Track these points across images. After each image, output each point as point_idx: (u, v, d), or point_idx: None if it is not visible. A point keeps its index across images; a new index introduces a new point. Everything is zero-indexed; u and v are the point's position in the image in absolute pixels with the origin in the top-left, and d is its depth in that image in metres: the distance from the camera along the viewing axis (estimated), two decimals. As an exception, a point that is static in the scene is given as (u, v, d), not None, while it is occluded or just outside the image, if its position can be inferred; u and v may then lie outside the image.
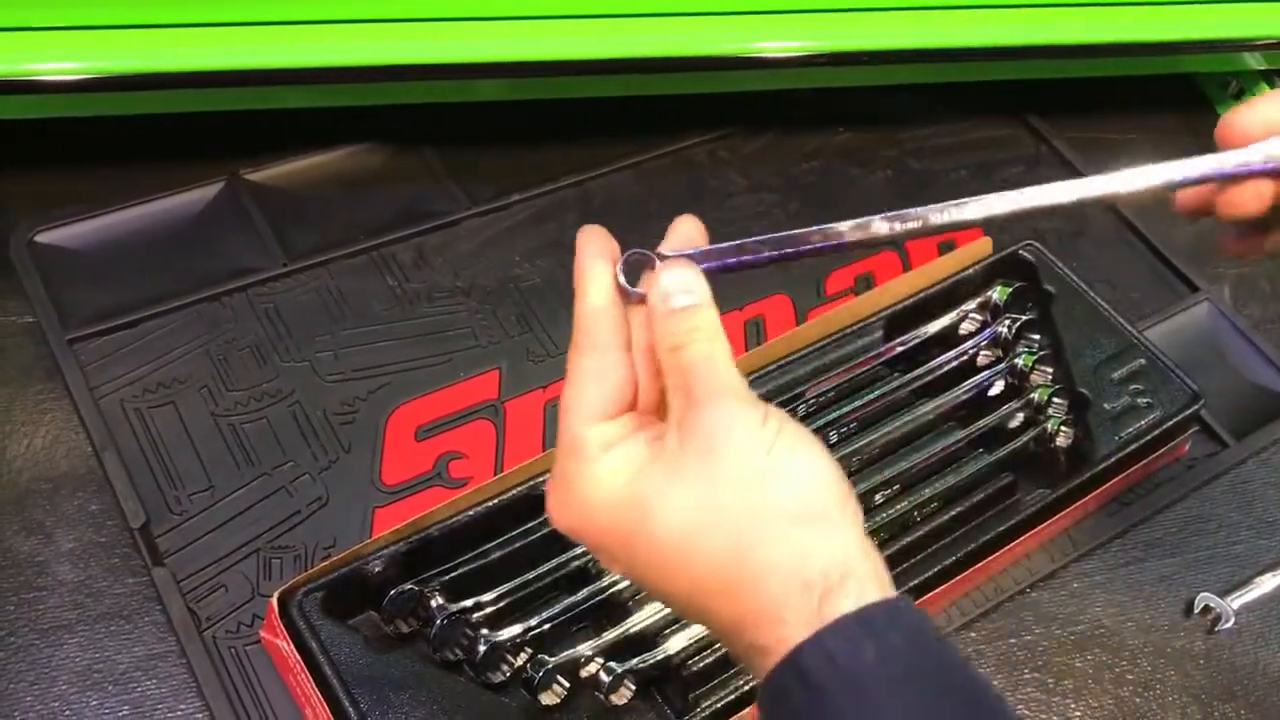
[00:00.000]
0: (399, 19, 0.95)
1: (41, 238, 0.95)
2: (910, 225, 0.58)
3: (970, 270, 1.00)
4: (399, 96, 1.02)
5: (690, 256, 0.55)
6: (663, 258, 0.54)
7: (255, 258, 0.98)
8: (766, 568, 0.49)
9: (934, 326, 0.97)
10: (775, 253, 0.56)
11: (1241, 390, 1.05)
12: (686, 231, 0.56)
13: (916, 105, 1.19)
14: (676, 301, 0.52)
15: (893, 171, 1.16)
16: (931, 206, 0.58)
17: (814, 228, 0.57)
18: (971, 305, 0.99)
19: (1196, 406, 0.94)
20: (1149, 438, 0.92)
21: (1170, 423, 0.93)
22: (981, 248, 1.02)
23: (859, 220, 0.58)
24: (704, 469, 0.50)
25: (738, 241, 0.56)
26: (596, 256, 0.54)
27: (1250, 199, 0.63)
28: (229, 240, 0.99)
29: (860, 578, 0.49)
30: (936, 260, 1.01)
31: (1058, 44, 1.12)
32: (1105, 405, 0.94)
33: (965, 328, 0.98)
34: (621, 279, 0.54)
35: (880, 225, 0.58)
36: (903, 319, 0.97)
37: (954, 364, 0.95)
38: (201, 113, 0.98)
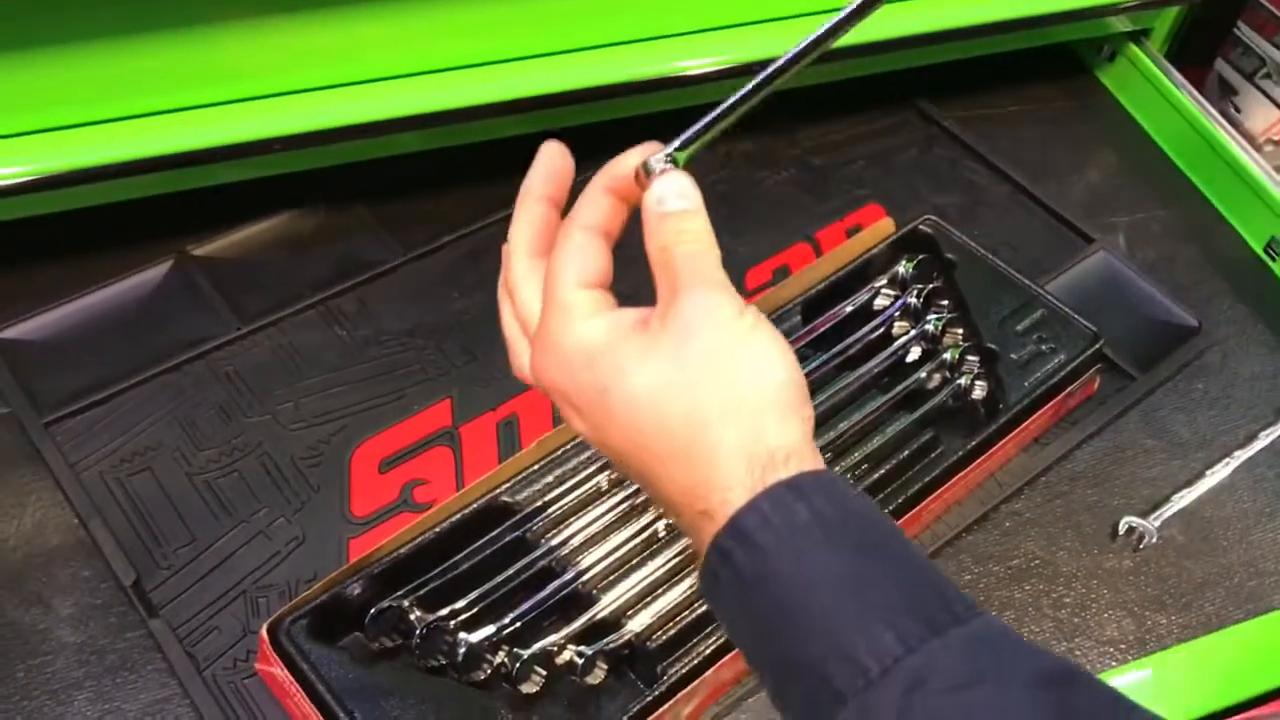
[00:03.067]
0: (318, 87, 1.02)
1: (7, 333, 1.01)
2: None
3: (876, 249, 1.08)
4: (327, 159, 1.08)
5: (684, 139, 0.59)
6: (669, 154, 0.58)
7: (210, 325, 1.04)
8: (722, 441, 0.53)
9: (850, 305, 1.05)
10: (747, 93, 0.60)
11: (1143, 327, 1.12)
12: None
13: (813, 105, 1.26)
14: (670, 205, 0.57)
15: (796, 170, 1.23)
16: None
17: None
18: (881, 281, 1.06)
19: (1097, 345, 1.01)
20: (1056, 379, 0.99)
21: (1074, 363, 1.00)
22: (885, 227, 1.10)
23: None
24: (680, 344, 0.54)
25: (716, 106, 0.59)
26: (630, 154, 0.58)
27: None
28: (184, 312, 1.05)
29: (803, 459, 0.54)
30: (844, 244, 1.08)
31: (938, 30, 1.19)
32: (1013, 356, 1.01)
33: (879, 303, 1.05)
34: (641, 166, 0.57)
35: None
36: (819, 302, 1.05)
37: (871, 337, 1.02)
38: (142, 197, 1.04)
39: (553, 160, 0.62)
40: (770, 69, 0.60)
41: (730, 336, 0.55)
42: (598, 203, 0.59)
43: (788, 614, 0.51)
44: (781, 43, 1.09)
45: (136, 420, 0.97)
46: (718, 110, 0.60)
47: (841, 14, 0.61)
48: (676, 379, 0.54)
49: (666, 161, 0.58)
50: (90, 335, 1.02)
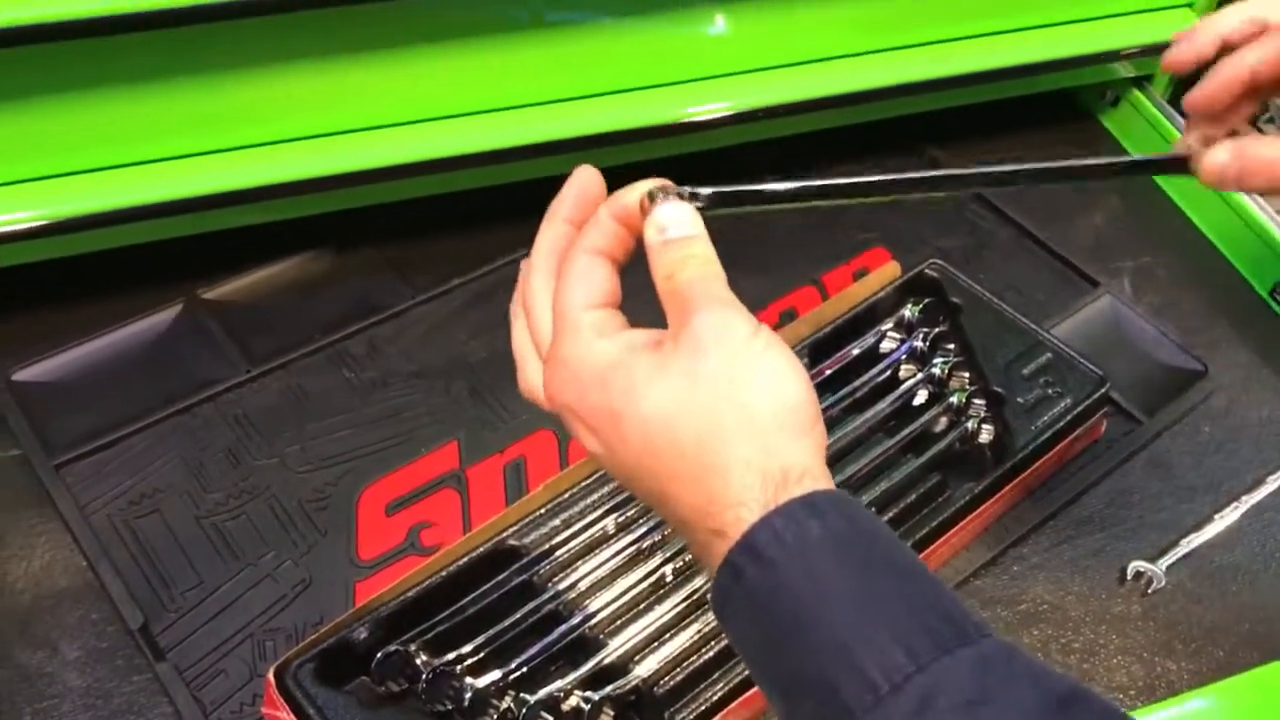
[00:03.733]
0: (327, 133, 1.04)
1: (19, 376, 1.02)
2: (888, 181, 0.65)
3: (882, 292, 1.08)
4: (336, 203, 1.09)
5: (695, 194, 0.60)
6: (688, 194, 0.59)
7: (219, 368, 1.05)
8: (734, 458, 0.54)
9: (856, 348, 1.05)
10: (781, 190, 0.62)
11: (1149, 371, 1.13)
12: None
13: (821, 149, 1.27)
14: (672, 233, 0.58)
15: (803, 212, 1.23)
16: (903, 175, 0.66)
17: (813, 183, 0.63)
18: (888, 324, 1.07)
19: (1103, 389, 1.02)
20: (1063, 423, 1.00)
21: (1081, 407, 1.01)
22: (890, 271, 1.10)
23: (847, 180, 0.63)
24: (692, 363, 0.55)
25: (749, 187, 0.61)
26: (638, 185, 0.59)
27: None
28: (193, 355, 1.06)
29: (815, 478, 0.54)
30: (851, 287, 1.09)
31: (946, 76, 1.21)
32: (1019, 400, 1.01)
33: (885, 346, 1.06)
34: (651, 200, 0.59)
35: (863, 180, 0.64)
36: (827, 344, 1.05)
37: (879, 380, 1.03)
38: (153, 241, 1.06)
39: (585, 184, 0.62)
40: (822, 184, 0.63)
41: (744, 355, 0.55)
42: (604, 228, 0.60)
43: (799, 629, 0.51)
44: (780, 90, 1.13)
45: (146, 463, 0.98)
46: (755, 189, 0.61)
47: (910, 176, 0.65)
48: (689, 398, 0.55)
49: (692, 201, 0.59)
50: (101, 378, 1.03)
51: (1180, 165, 0.75)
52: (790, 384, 0.56)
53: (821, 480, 0.55)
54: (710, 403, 0.54)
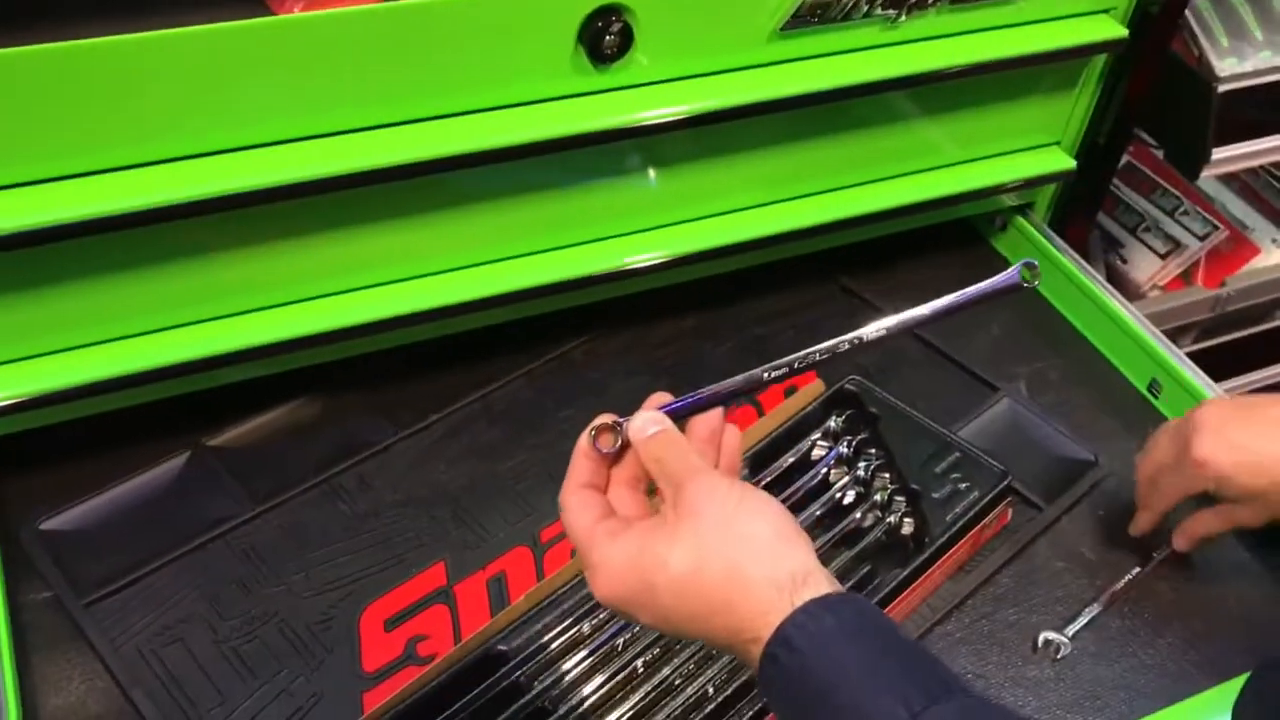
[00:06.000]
0: (314, 297, 1.15)
1: (46, 525, 1.12)
2: (782, 371, 0.84)
3: (810, 407, 1.24)
4: (323, 355, 1.21)
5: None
6: (614, 423, 0.79)
7: (227, 507, 1.16)
8: (751, 581, 0.70)
9: (790, 458, 1.20)
10: (711, 398, 0.82)
11: (1047, 463, 1.27)
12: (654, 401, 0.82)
13: (748, 285, 1.43)
14: (650, 430, 0.78)
15: (737, 340, 1.40)
16: (796, 355, 0.85)
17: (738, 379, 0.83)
18: (816, 434, 1.21)
19: (1005, 481, 1.16)
20: (973, 513, 1.13)
21: (987, 498, 1.14)
22: (815, 388, 1.26)
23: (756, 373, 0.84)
24: (694, 525, 0.72)
25: (689, 398, 0.81)
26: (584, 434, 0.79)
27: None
28: (202, 497, 1.16)
29: (818, 576, 0.72)
30: (782, 404, 1.24)
31: (855, 215, 1.37)
32: (934, 494, 1.16)
33: (815, 454, 1.21)
34: (595, 441, 0.78)
35: (763, 373, 0.84)
36: (764, 455, 1.20)
37: (811, 484, 1.17)
38: (160, 399, 1.17)
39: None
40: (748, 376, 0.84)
41: (729, 505, 0.74)
42: (583, 465, 0.79)
43: (823, 697, 0.68)
44: (706, 237, 1.29)
45: (166, 596, 1.08)
46: (704, 397, 0.82)
47: (817, 350, 0.85)
48: (702, 550, 0.72)
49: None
50: (121, 523, 1.13)
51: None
52: (771, 513, 0.74)
53: (823, 578, 0.72)
54: (718, 547, 0.72)
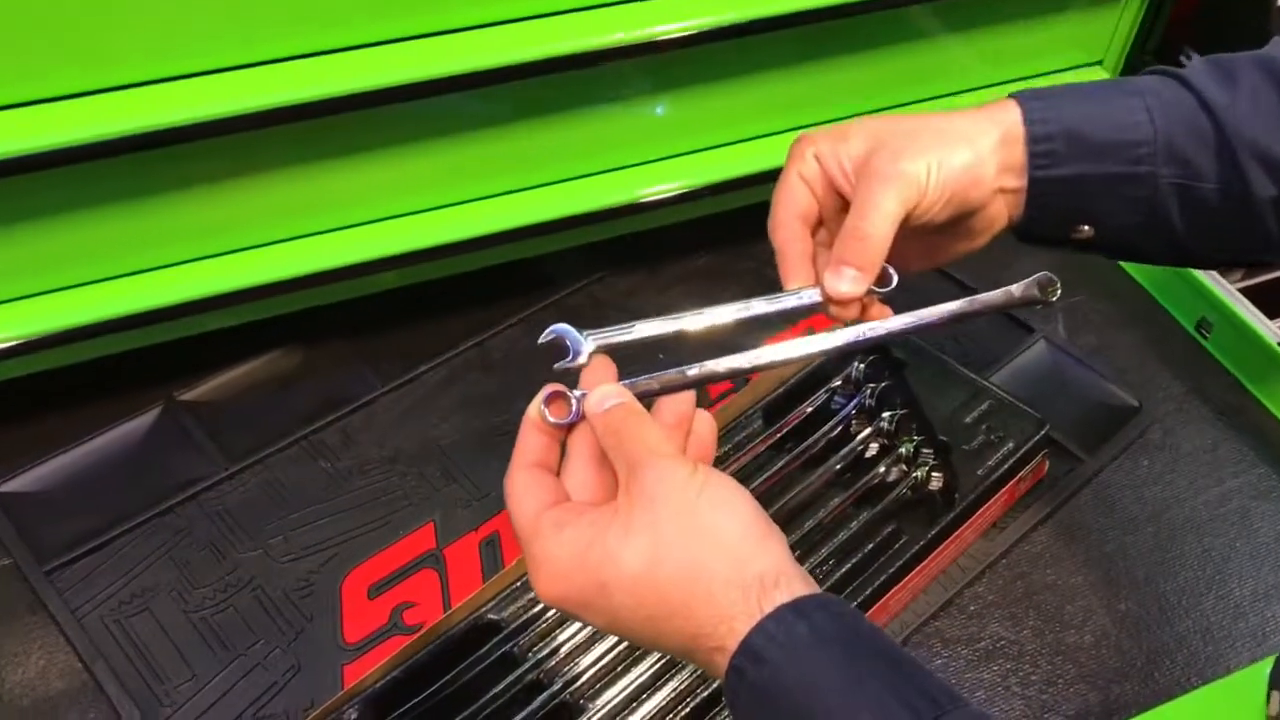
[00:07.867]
0: (293, 237, 1.08)
1: (6, 487, 1.05)
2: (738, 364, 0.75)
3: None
4: (303, 302, 1.14)
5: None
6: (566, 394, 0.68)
7: (200, 467, 1.09)
8: (713, 583, 0.61)
9: (809, 407, 1.11)
10: (662, 387, 0.70)
11: (1087, 410, 1.18)
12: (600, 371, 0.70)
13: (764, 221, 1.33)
14: (609, 403, 0.66)
15: (752, 280, 1.30)
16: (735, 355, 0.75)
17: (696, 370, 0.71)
18: (836, 382, 1.12)
19: (1043, 431, 1.07)
20: (1007, 466, 1.05)
21: (1023, 450, 1.06)
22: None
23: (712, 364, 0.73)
24: (650, 518, 0.62)
25: (645, 377, 0.70)
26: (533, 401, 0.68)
27: None
28: (174, 455, 1.10)
29: (790, 577, 0.61)
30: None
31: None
32: (964, 446, 1.07)
33: (835, 403, 1.12)
34: (545, 411, 0.67)
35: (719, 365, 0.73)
36: (779, 405, 1.11)
37: (831, 435, 1.08)
38: (129, 349, 1.10)
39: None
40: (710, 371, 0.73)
41: (689, 493, 0.62)
42: (533, 440, 0.68)
43: (796, 717, 0.58)
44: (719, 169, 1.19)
45: (134, 563, 1.01)
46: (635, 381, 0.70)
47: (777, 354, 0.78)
48: (658, 545, 0.61)
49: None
50: (86, 484, 1.07)
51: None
52: (738, 504, 0.63)
53: (796, 579, 0.62)
54: (677, 542, 0.61)
